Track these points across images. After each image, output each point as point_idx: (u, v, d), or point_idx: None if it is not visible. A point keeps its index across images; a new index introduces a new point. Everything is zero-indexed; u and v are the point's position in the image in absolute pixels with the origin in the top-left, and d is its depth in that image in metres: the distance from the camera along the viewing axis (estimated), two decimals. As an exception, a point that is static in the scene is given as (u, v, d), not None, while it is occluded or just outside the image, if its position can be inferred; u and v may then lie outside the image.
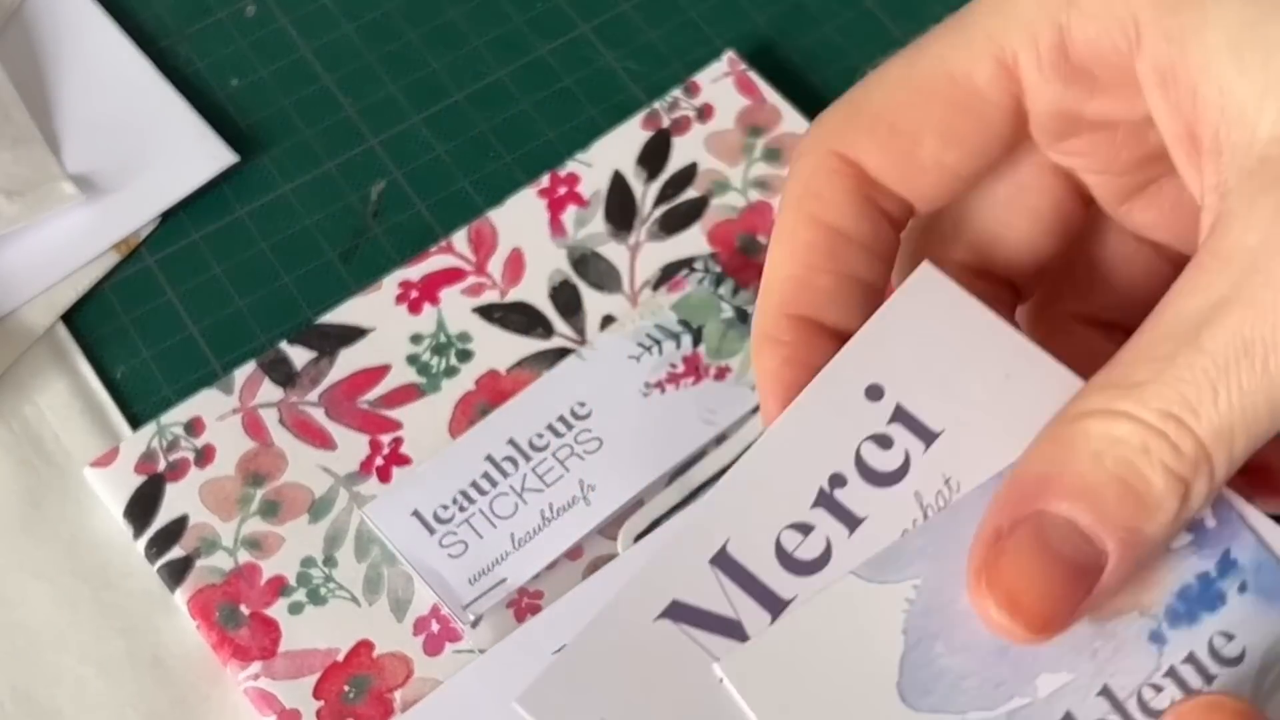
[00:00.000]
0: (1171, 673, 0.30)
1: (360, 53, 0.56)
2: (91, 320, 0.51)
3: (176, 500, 0.46)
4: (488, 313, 0.49)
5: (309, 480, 0.46)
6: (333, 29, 0.57)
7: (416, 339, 0.49)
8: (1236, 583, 0.31)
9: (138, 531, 0.46)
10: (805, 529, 0.32)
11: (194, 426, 0.47)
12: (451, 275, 0.50)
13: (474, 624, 0.43)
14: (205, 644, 0.44)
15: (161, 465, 0.46)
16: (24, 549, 0.46)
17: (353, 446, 0.47)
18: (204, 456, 0.47)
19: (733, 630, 0.31)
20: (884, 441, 0.32)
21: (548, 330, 0.48)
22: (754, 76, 0.53)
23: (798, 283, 0.33)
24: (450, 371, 0.48)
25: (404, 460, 0.46)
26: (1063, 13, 0.29)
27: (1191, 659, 0.30)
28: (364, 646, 0.43)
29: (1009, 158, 0.34)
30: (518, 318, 0.49)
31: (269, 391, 0.48)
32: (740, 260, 0.49)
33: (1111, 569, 0.29)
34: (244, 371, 0.48)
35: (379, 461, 0.46)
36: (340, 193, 0.53)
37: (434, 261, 0.50)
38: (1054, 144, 0.33)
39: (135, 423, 0.48)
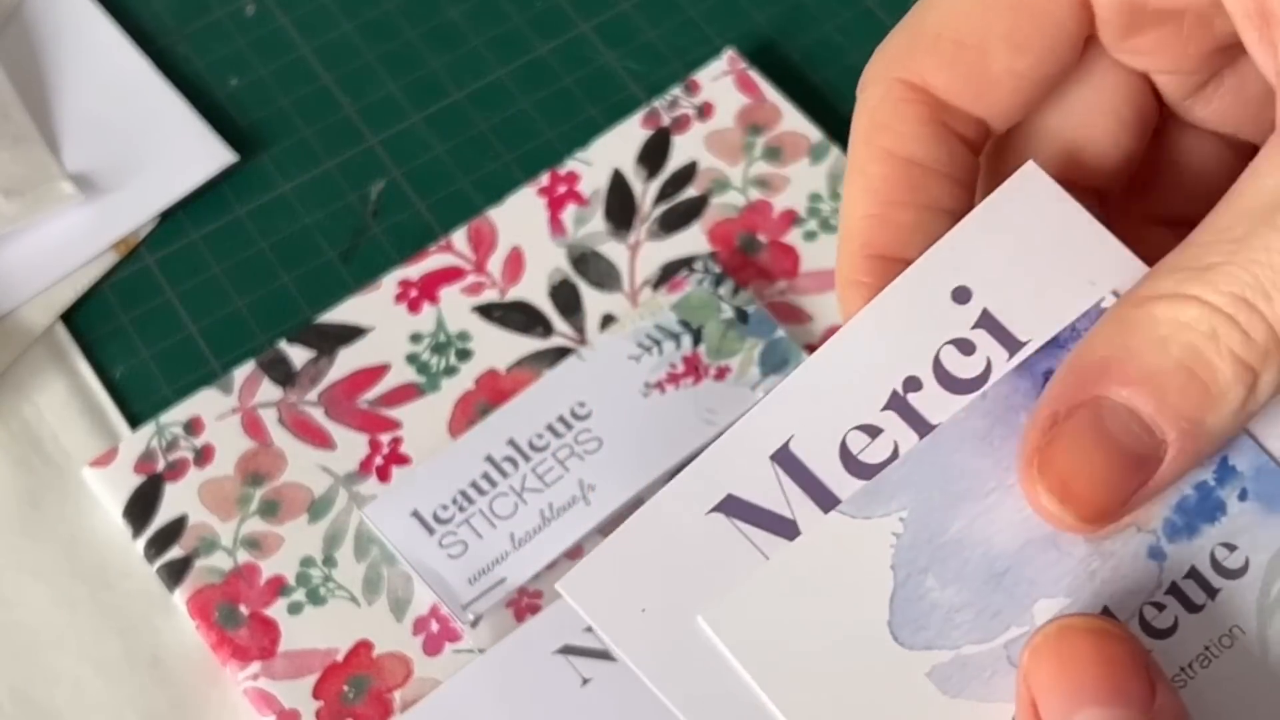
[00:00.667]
0: (1174, 589, 0.29)
1: (360, 52, 0.56)
2: (91, 320, 0.51)
3: (175, 500, 0.46)
4: (487, 312, 0.49)
5: (308, 480, 0.46)
6: (332, 28, 0.57)
7: (416, 338, 0.48)
8: (1236, 490, 0.29)
9: (137, 531, 0.45)
10: (873, 431, 0.30)
11: (193, 426, 0.47)
12: (451, 274, 0.50)
13: (473, 624, 0.43)
14: (204, 644, 0.44)
15: (160, 465, 0.46)
16: (23, 549, 0.46)
17: (352, 446, 0.47)
18: (203, 456, 0.47)
19: (787, 529, 0.30)
20: (966, 347, 0.31)
21: (547, 329, 0.48)
22: (754, 75, 0.53)
23: (877, 221, 0.32)
24: (450, 371, 0.48)
25: (403, 460, 0.46)
26: None
27: (1193, 573, 0.29)
28: (363, 646, 0.43)
29: (1079, 65, 0.32)
30: (517, 317, 0.49)
31: (268, 391, 0.48)
32: (740, 259, 0.49)
33: (1170, 461, 0.27)
34: (243, 371, 0.48)
35: (378, 461, 0.46)
36: (340, 192, 0.53)
37: (433, 260, 0.50)
38: (1121, 42, 0.32)
39: (134, 422, 0.48)
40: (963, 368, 0.30)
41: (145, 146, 0.53)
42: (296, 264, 0.51)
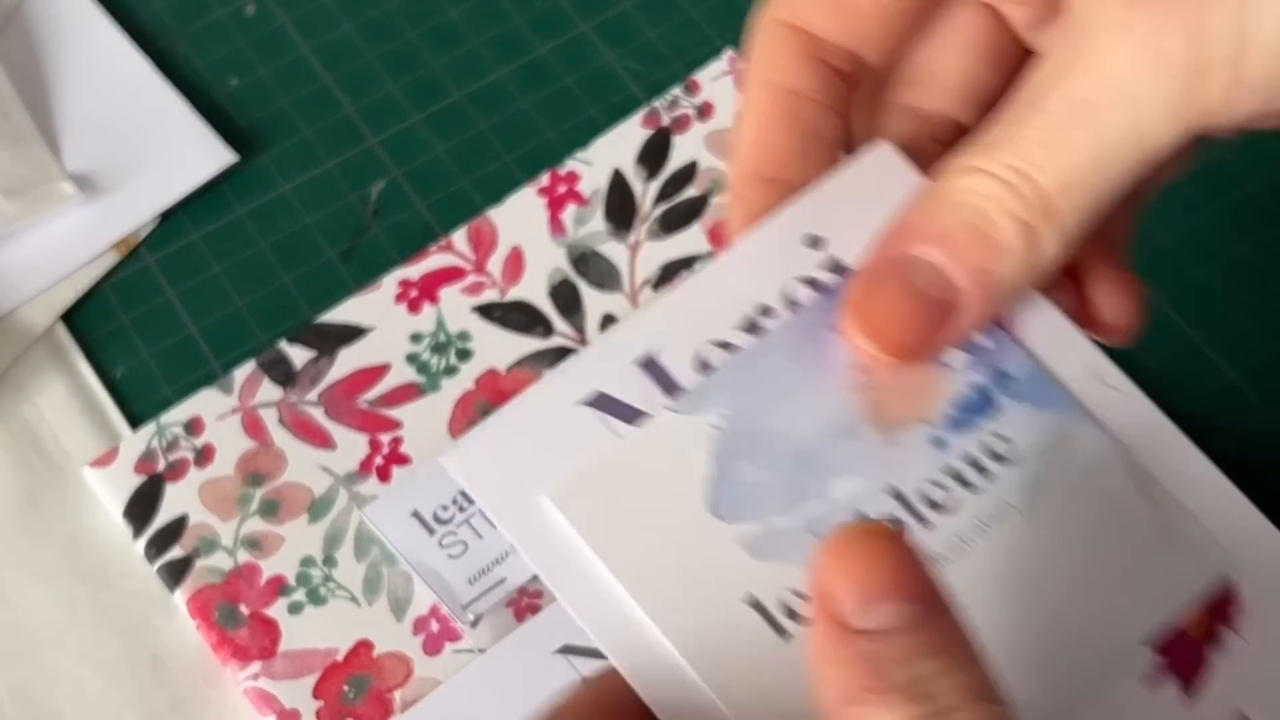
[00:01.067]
0: (950, 470, 0.33)
1: (360, 52, 0.56)
2: (91, 320, 0.51)
3: (176, 500, 0.46)
4: (487, 312, 0.49)
5: (308, 480, 0.46)
6: (332, 28, 0.57)
7: (416, 338, 0.48)
8: (1009, 391, 0.34)
9: (137, 531, 0.46)
10: (727, 346, 0.35)
11: (193, 426, 0.47)
12: (451, 274, 0.50)
13: (473, 624, 0.43)
14: (205, 644, 0.44)
15: (161, 465, 0.46)
16: (23, 549, 0.46)
17: (352, 446, 0.47)
18: (203, 456, 0.47)
19: (642, 421, 0.34)
20: (814, 283, 0.35)
21: (547, 329, 0.48)
22: (754, 75, 0.53)
23: (761, 145, 0.36)
24: (450, 370, 0.48)
25: (404, 459, 0.46)
26: None
27: (968, 458, 0.34)
28: (363, 646, 0.43)
29: (942, 4, 0.36)
30: (517, 316, 0.49)
31: (268, 391, 0.48)
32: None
33: (967, 306, 0.32)
34: (243, 371, 0.48)
35: (379, 461, 0.46)
36: (340, 192, 0.53)
37: (433, 260, 0.50)
38: None
39: (135, 422, 0.48)
40: (809, 299, 0.35)
41: (145, 146, 0.53)
42: (297, 264, 0.51)
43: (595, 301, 0.49)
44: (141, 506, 0.46)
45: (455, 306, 0.49)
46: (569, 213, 0.51)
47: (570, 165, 0.51)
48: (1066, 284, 0.35)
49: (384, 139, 0.54)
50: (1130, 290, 0.36)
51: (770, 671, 0.32)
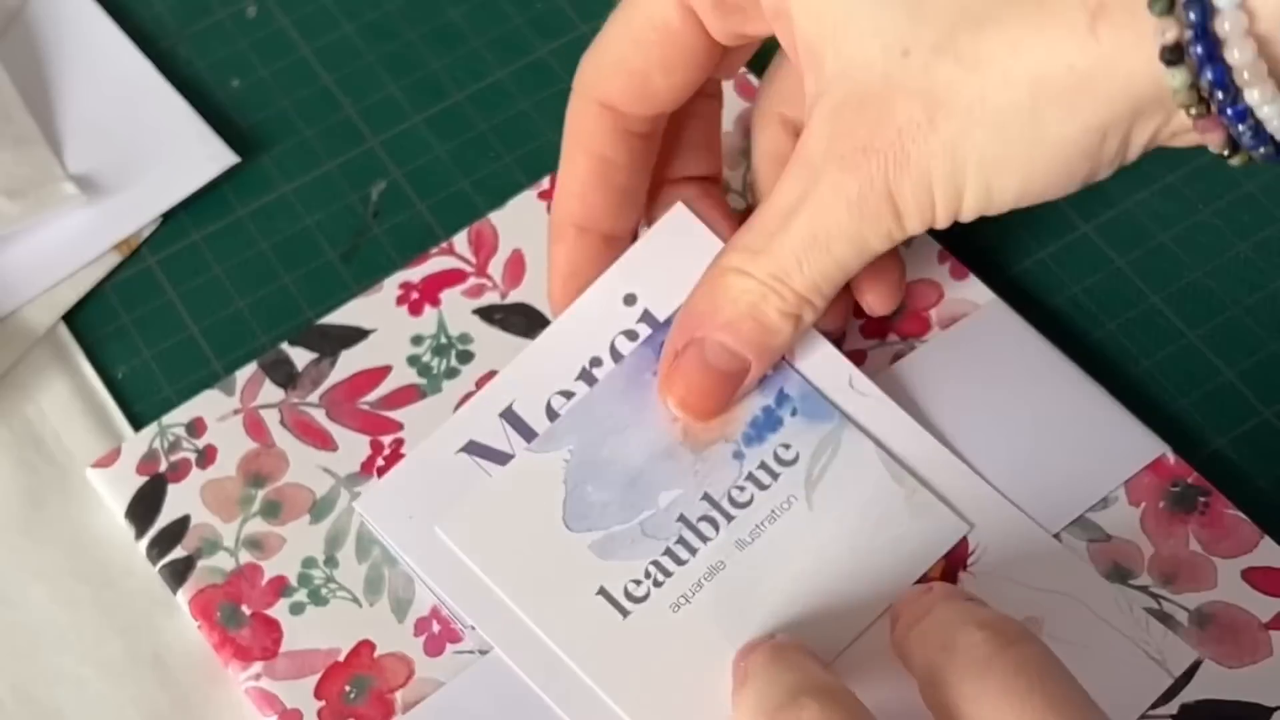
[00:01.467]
0: (750, 476, 0.43)
1: (360, 53, 0.56)
2: (93, 320, 0.51)
3: (178, 501, 0.46)
4: (488, 314, 0.49)
5: (310, 481, 0.46)
6: (333, 29, 0.57)
7: (417, 340, 0.49)
8: (789, 409, 0.44)
9: (139, 532, 0.46)
10: (569, 394, 0.45)
11: (195, 427, 0.47)
12: (452, 277, 0.50)
13: (474, 625, 0.43)
14: (207, 644, 0.44)
15: (163, 466, 0.47)
16: (25, 549, 0.46)
17: (354, 447, 0.47)
18: (205, 457, 0.47)
19: (507, 461, 0.44)
20: (632, 334, 0.46)
21: (548, 331, 0.49)
22: (753, 80, 0.53)
23: (578, 199, 0.45)
24: (451, 373, 0.48)
25: (405, 461, 0.46)
26: None
27: (763, 465, 0.44)
28: (365, 647, 0.44)
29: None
30: (518, 319, 0.49)
31: (270, 392, 0.48)
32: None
33: (753, 373, 0.43)
34: (245, 372, 0.48)
35: (380, 462, 0.46)
36: (341, 193, 0.53)
37: (435, 263, 0.50)
38: (733, 51, 0.44)
39: (137, 423, 0.49)
40: (629, 348, 0.45)
41: (147, 147, 0.53)
42: (298, 264, 0.52)
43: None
44: (143, 507, 0.46)
45: (456, 309, 0.49)
46: (570, 216, 0.51)
47: (571, 169, 0.52)
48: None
49: (384, 140, 0.54)
50: (888, 278, 0.46)
51: (617, 642, 0.41)
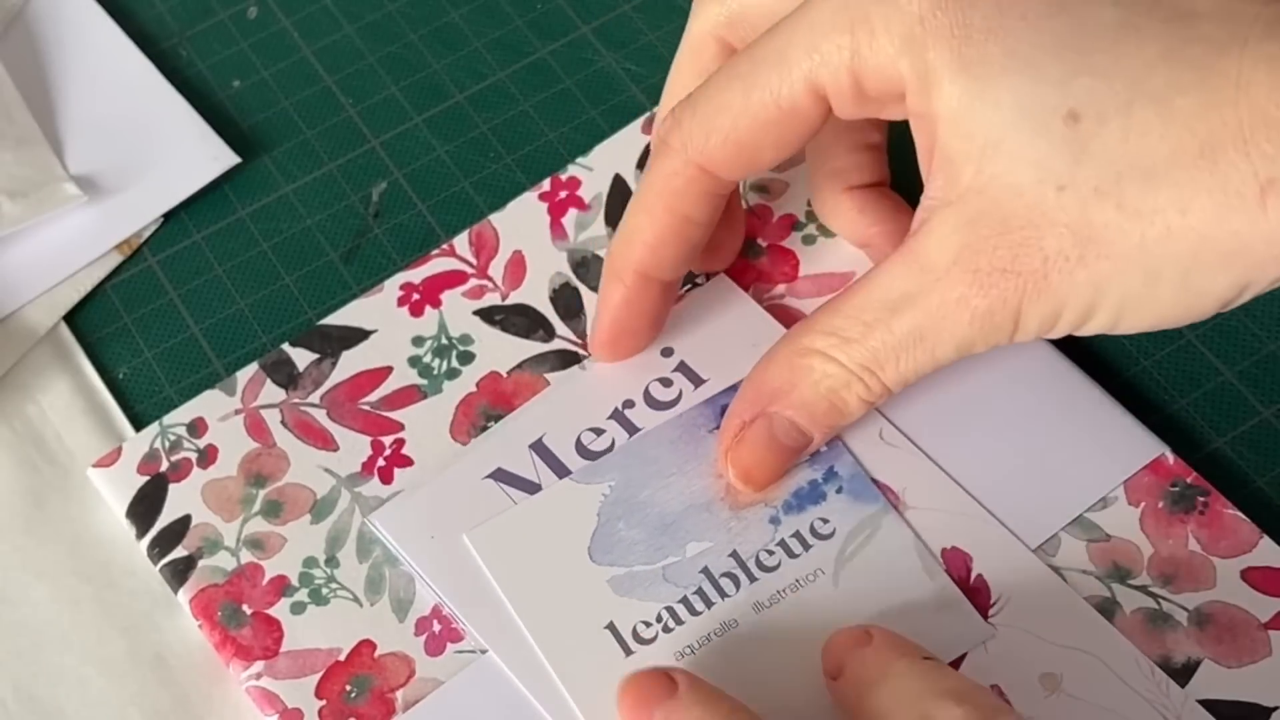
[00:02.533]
0: (781, 543, 0.44)
1: (361, 54, 0.56)
2: (94, 320, 0.51)
3: (179, 500, 0.46)
4: (489, 315, 0.49)
5: (311, 481, 0.46)
6: (334, 30, 0.57)
7: (418, 341, 0.49)
8: (835, 486, 0.45)
9: (140, 532, 0.46)
10: (599, 431, 0.46)
11: (196, 427, 0.47)
12: (453, 278, 0.50)
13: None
14: (208, 643, 0.44)
15: (164, 466, 0.47)
16: (27, 549, 0.46)
17: (354, 447, 0.47)
18: (206, 457, 0.47)
19: (534, 490, 0.45)
20: (666, 382, 0.47)
21: (549, 333, 0.49)
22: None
23: (649, 250, 0.44)
24: (452, 373, 0.48)
25: (405, 461, 0.46)
26: (856, 60, 0.39)
27: (797, 535, 0.44)
28: (365, 646, 0.44)
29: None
30: (519, 320, 0.49)
31: (271, 392, 0.48)
32: (740, 263, 0.49)
33: (812, 448, 0.44)
34: (246, 372, 0.48)
35: (380, 463, 0.46)
36: (341, 193, 0.53)
37: (435, 264, 0.50)
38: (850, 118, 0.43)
39: (138, 423, 0.49)
40: (663, 395, 0.47)
41: (148, 148, 0.53)
42: (298, 265, 0.52)
43: (596, 305, 0.49)
44: (145, 507, 0.46)
45: (457, 310, 0.49)
46: (570, 217, 0.51)
47: (571, 171, 0.52)
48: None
49: (385, 140, 0.54)
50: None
51: (614, 680, 0.41)
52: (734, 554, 0.43)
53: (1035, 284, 0.38)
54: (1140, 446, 0.45)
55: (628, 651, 0.42)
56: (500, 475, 0.45)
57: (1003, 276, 0.38)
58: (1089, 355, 0.48)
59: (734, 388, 0.45)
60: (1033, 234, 0.37)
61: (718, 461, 0.44)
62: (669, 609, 0.43)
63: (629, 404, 0.46)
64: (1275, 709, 0.41)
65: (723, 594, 0.43)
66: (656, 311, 0.46)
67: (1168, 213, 0.36)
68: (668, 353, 0.47)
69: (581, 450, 0.45)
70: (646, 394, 0.46)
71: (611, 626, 0.42)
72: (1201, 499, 0.44)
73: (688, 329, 0.48)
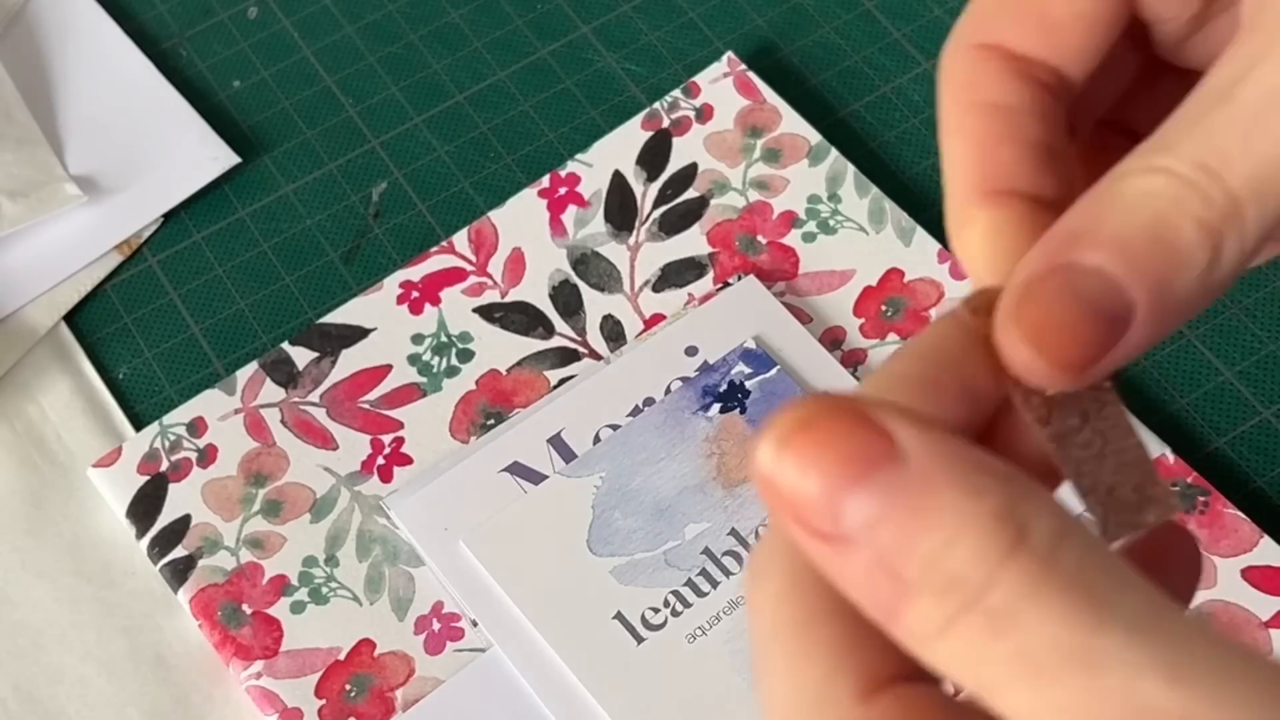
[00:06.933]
0: None
1: (361, 54, 0.56)
2: (94, 320, 0.51)
3: (179, 500, 0.46)
4: (488, 313, 0.49)
5: (311, 480, 0.46)
6: (334, 31, 0.57)
7: (418, 339, 0.49)
8: None
9: (140, 531, 0.46)
10: (616, 427, 0.46)
11: (196, 427, 0.47)
12: (452, 275, 0.50)
13: (475, 623, 0.43)
14: (208, 643, 0.44)
15: (164, 465, 0.47)
16: (27, 548, 0.46)
17: (354, 446, 0.47)
18: (206, 457, 0.47)
19: (541, 481, 0.45)
20: (686, 380, 0.47)
21: (548, 330, 0.49)
22: (753, 77, 0.53)
23: (979, 161, 0.32)
24: (451, 371, 0.48)
25: (405, 460, 0.46)
26: None
27: None
28: (365, 645, 0.44)
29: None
30: (518, 317, 0.49)
31: (271, 392, 0.48)
32: (740, 260, 0.49)
33: (1140, 321, 0.28)
34: (246, 372, 0.48)
35: (380, 461, 0.46)
36: (341, 193, 0.53)
37: (435, 262, 0.50)
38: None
39: (138, 423, 0.49)
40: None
41: (148, 148, 0.53)
42: (298, 265, 0.52)
43: (596, 302, 0.49)
44: (145, 506, 0.46)
45: (456, 307, 0.49)
46: (569, 214, 0.51)
47: (571, 167, 0.52)
48: None
49: (385, 140, 0.54)
50: None
51: (629, 668, 0.41)
52: (733, 531, 0.44)
53: None
54: None
55: (639, 639, 0.42)
56: (515, 468, 0.45)
57: None
58: (1089, 354, 0.48)
59: (715, 366, 0.46)
60: None
61: (998, 330, 0.29)
62: (675, 593, 0.43)
63: (649, 401, 0.46)
64: (1276, 707, 0.41)
65: (726, 572, 0.43)
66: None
67: None
68: (691, 352, 0.47)
69: (598, 444, 0.46)
70: (668, 390, 0.47)
71: (620, 616, 0.43)
72: (1202, 499, 0.44)
73: (714, 329, 0.47)
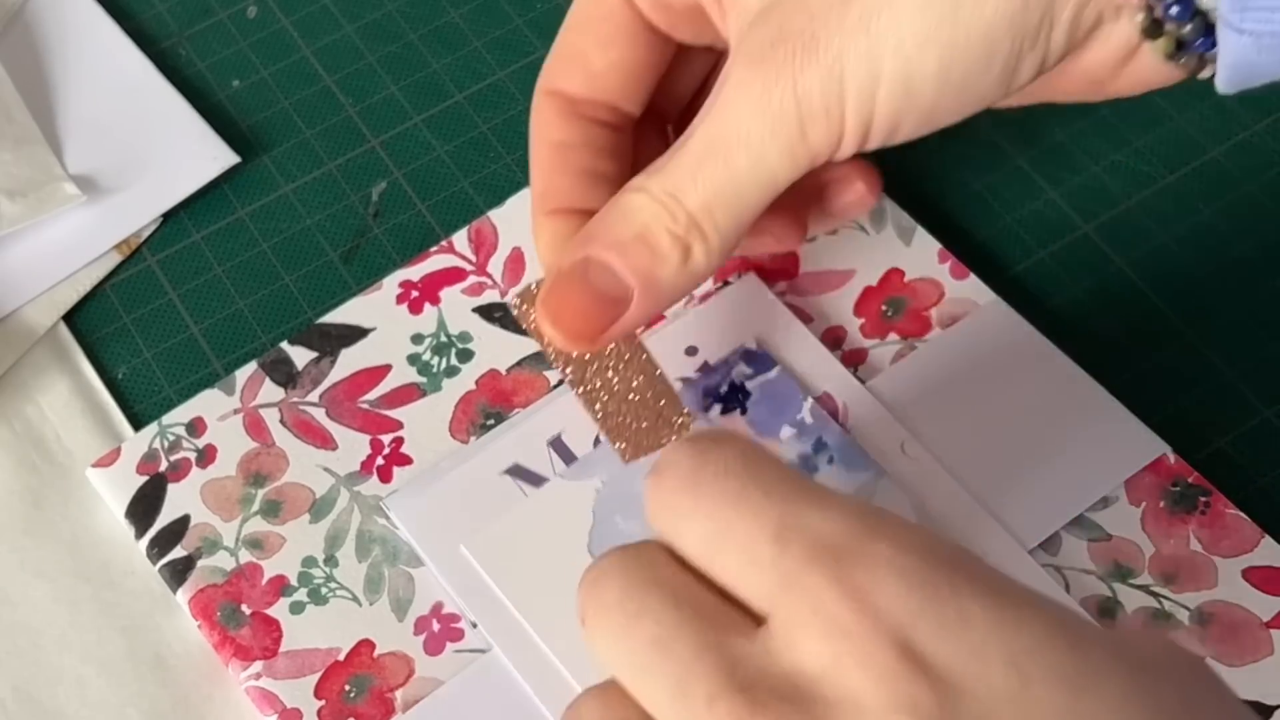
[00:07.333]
0: None
1: (361, 54, 0.56)
2: (93, 320, 0.51)
3: (178, 500, 0.46)
4: (488, 312, 0.49)
5: (310, 480, 0.46)
6: (334, 30, 0.57)
7: (417, 339, 0.49)
8: (826, 457, 0.45)
9: (139, 531, 0.46)
10: None
11: (195, 427, 0.47)
12: (452, 275, 0.50)
13: (475, 625, 0.43)
14: (207, 643, 0.44)
15: (163, 465, 0.47)
16: (26, 549, 0.46)
17: (353, 446, 0.47)
18: (205, 457, 0.47)
19: (542, 484, 0.45)
20: (688, 380, 0.47)
21: (548, 330, 0.48)
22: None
23: (546, 187, 0.43)
24: (451, 371, 0.48)
25: (405, 460, 0.46)
26: None
27: None
28: (365, 646, 0.44)
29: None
30: (518, 318, 0.49)
31: (270, 392, 0.48)
32: (739, 260, 0.49)
33: (635, 304, 0.39)
34: (245, 372, 0.48)
35: (380, 461, 0.46)
36: (341, 193, 0.53)
37: (434, 261, 0.50)
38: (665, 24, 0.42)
39: (137, 423, 0.49)
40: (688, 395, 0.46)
41: (148, 148, 0.53)
42: (298, 265, 0.52)
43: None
44: (144, 506, 0.46)
45: (456, 307, 0.49)
46: (570, 215, 0.51)
47: (571, 167, 0.52)
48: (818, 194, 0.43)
49: (385, 140, 0.54)
50: (863, 176, 0.43)
51: None
52: None
53: (804, 45, 0.36)
54: (1141, 446, 0.45)
55: None
56: (516, 471, 0.45)
57: (772, 49, 0.36)
58: (1091, 354, 0.48)
59: (715, 368, 0.46)
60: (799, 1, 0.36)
61: (537, 315, 0.40)
62: None
63: None
64: (1277, 708, 0.41)
65: None
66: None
67: None
68: (691, 352, 0.47)
69: (598, 448, 0.45)
70: None
71: None
72: (1203, 499, 0.44)
73: (713, 328, 0.47)
